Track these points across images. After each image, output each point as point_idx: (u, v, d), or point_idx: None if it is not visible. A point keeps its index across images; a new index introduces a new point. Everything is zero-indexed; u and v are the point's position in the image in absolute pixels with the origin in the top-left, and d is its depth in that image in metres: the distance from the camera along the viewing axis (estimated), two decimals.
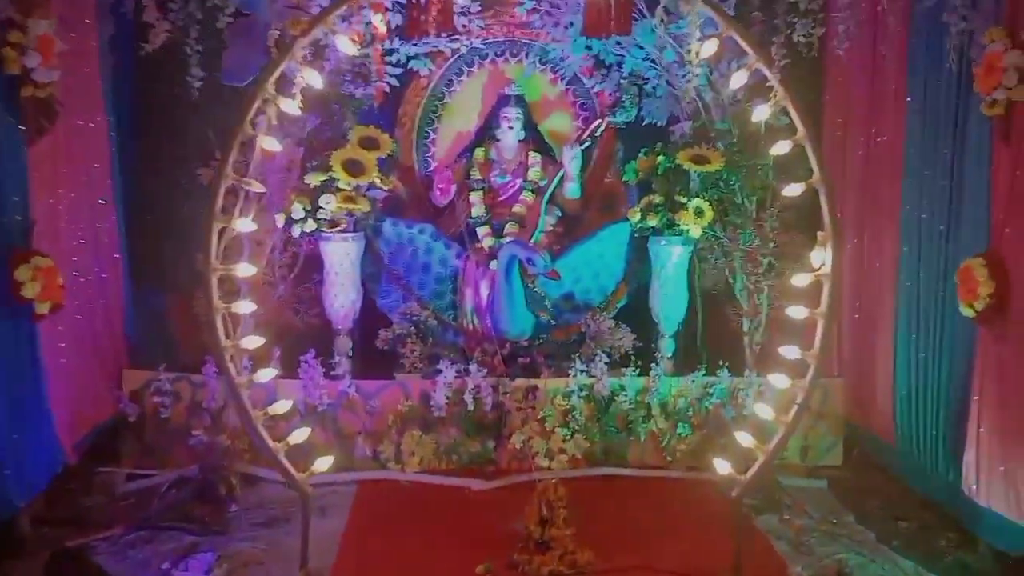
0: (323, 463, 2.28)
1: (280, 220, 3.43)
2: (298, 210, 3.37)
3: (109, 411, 3.31)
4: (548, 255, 3.43)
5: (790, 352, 2.34)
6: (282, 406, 2.24)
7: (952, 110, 2.74)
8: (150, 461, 3.26)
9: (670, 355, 3.63)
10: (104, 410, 3.29)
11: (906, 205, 3.08)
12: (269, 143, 2.22)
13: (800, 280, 2.33)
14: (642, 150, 3.64)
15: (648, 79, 3.65)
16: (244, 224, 2.24)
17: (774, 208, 3.50)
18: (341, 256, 3.51)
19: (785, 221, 3.52)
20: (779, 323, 3.59)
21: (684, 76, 3.51)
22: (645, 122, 3.73)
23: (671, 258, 3.57)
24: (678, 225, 3.48)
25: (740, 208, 3.56)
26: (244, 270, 2.25)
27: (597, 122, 3.76)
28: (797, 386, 2.32)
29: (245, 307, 2.23)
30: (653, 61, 3.60)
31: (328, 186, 3.42)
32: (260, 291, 3.52)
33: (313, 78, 2.24)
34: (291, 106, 2.20)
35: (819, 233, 2.28)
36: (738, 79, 2.29)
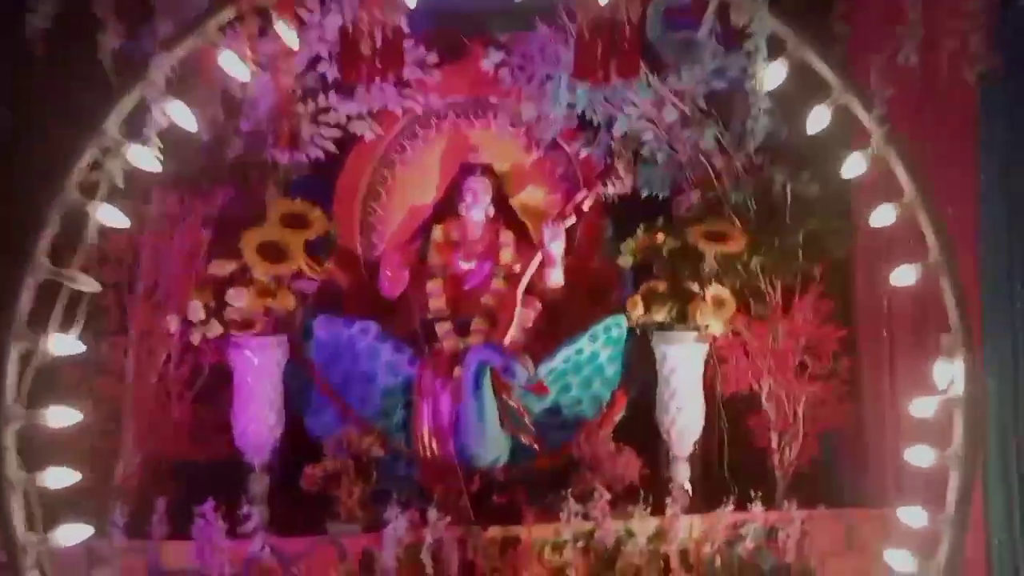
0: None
1: (173, 323, 2.61)
2: (196, 309, 2.57)
3: None
4: (529, 361, 2.65)
5: (914, 517, 1.57)
6: None
7: None
8: None
9: (686, 485, 2.84)
10: None
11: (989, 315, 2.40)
12: (108, 215, 1.44)
13: (923, 408, 1.59)
14: (640, 226, 2.95)
15: (644, 142, 3.00)
16: (63, 344, 1.42)
17: (808, 295, 2.83)
18: (256, 367, 2.69)
19: (821, 312, 2.86)
20: (818, 438, 2.91)
21: (689, 137, 2.88)
22: (645, 194, 3.07)
23: (682, 359, 2.84)
24: (691, 319, 2.77)
25: (764, 297, 2.88)
26: (56, 416, 1.41)
27: (583, 194, 3.08)
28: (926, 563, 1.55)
29: (58, 478, 1.39)
30: (651, 120, 2.96)
31: (241, 277, 2.64)
32: (151, 416, 2.70)
33: (180, 113, 1.49)
34: (144, 158, 1.43)
35: (943, 336, 1.57)
36: (818, 118, 1.60)
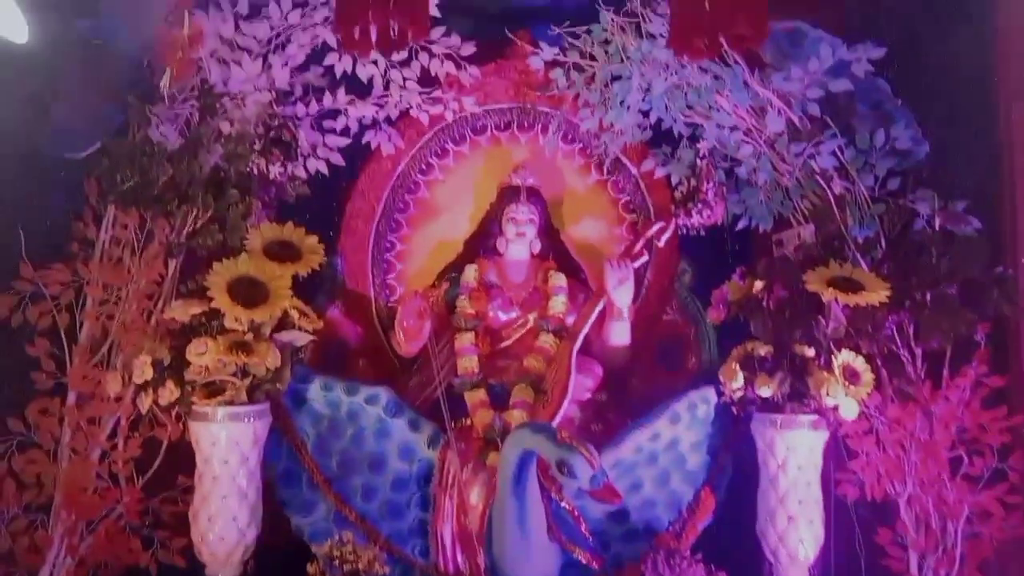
0: None
1: (113, 385, 1.97)
2: (143, 367, 1.91)
3: None
4: (595, 453, 1.92)
5: None
6: None
7: None
8: None
9: None
10: None
11: None
12: None
13: None
14: (736, 271, 2.27)
15: (740, 159, 2.33)
16: None
17: (970, 367, 2.11)
18: (226, 446, 2.01)
19: (983, 390, 2.14)
20: (980, 566, 2.16)
21: (799, 153, 2.21)
22: (740, 227, 2.39)
23: (797, 450, 2.11)
24: (811, 395, 2.06)
25: (904, 368, 2.17)
26: None
27: (658, 226, 2.40)
28: None
29: None
30: (748, 131, 2.30)
31: (206, 325, 1.99)
32: (89, 505, 2.06)
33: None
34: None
35: None
36: None
